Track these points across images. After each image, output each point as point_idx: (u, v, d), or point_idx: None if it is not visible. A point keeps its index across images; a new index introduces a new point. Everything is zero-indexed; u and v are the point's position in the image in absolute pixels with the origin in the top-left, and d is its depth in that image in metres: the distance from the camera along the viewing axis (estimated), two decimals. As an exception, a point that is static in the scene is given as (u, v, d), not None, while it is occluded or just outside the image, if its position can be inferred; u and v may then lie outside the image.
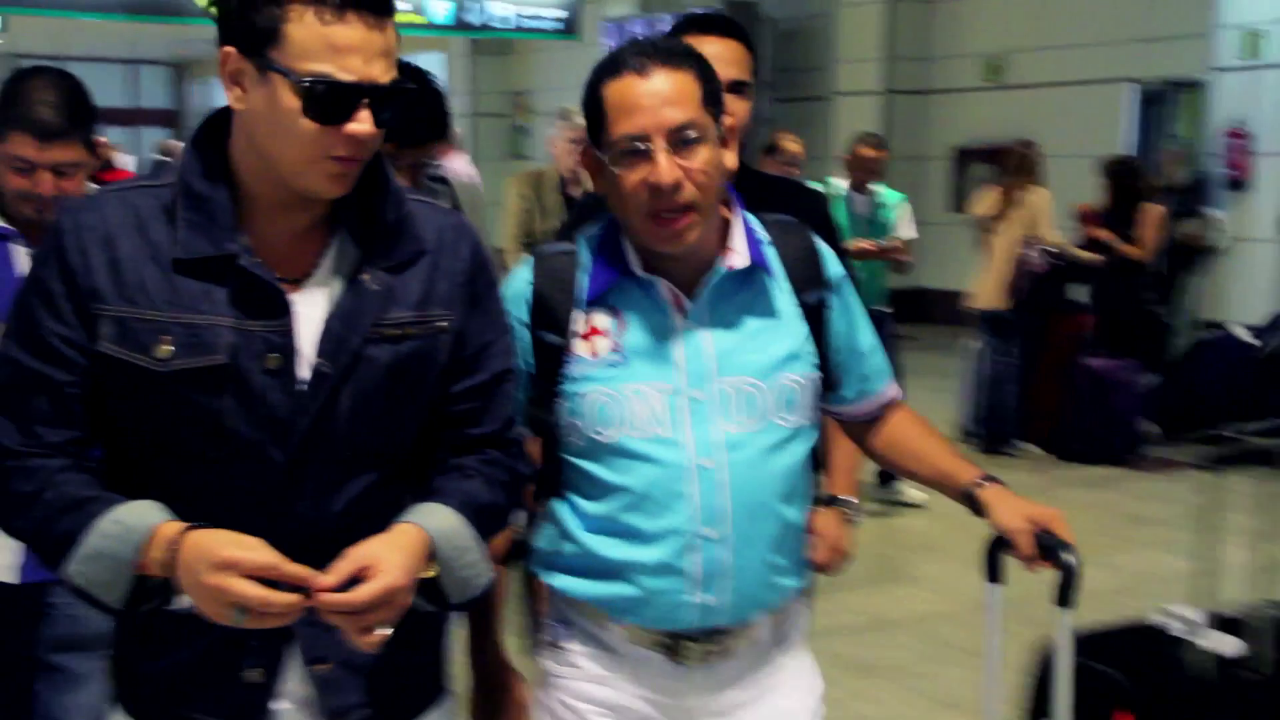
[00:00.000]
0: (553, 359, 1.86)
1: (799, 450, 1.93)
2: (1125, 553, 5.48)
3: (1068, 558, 1.91)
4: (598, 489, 1.87)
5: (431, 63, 18.79)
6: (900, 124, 12.68)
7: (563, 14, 15.29)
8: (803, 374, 1.92)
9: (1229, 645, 2.92)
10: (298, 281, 1.57)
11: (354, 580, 1.46)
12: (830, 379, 2.00)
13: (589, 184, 6.61)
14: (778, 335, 1.91)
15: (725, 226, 1.90)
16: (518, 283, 1.90)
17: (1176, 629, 2.95)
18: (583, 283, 1.89)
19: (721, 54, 2.30)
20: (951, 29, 13.20)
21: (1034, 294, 7.61)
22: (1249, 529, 3.27)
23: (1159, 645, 2.93)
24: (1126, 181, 7.87)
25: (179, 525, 1.48)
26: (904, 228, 6.79)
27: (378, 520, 1.56)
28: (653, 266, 1.86)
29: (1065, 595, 1.96)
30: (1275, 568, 3.72)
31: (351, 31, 1.48)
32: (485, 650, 1.98)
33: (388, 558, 1.49)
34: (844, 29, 13.21)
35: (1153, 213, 7.80)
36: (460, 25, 15.12)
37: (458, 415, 1.69)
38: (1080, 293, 7.84)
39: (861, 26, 13.02)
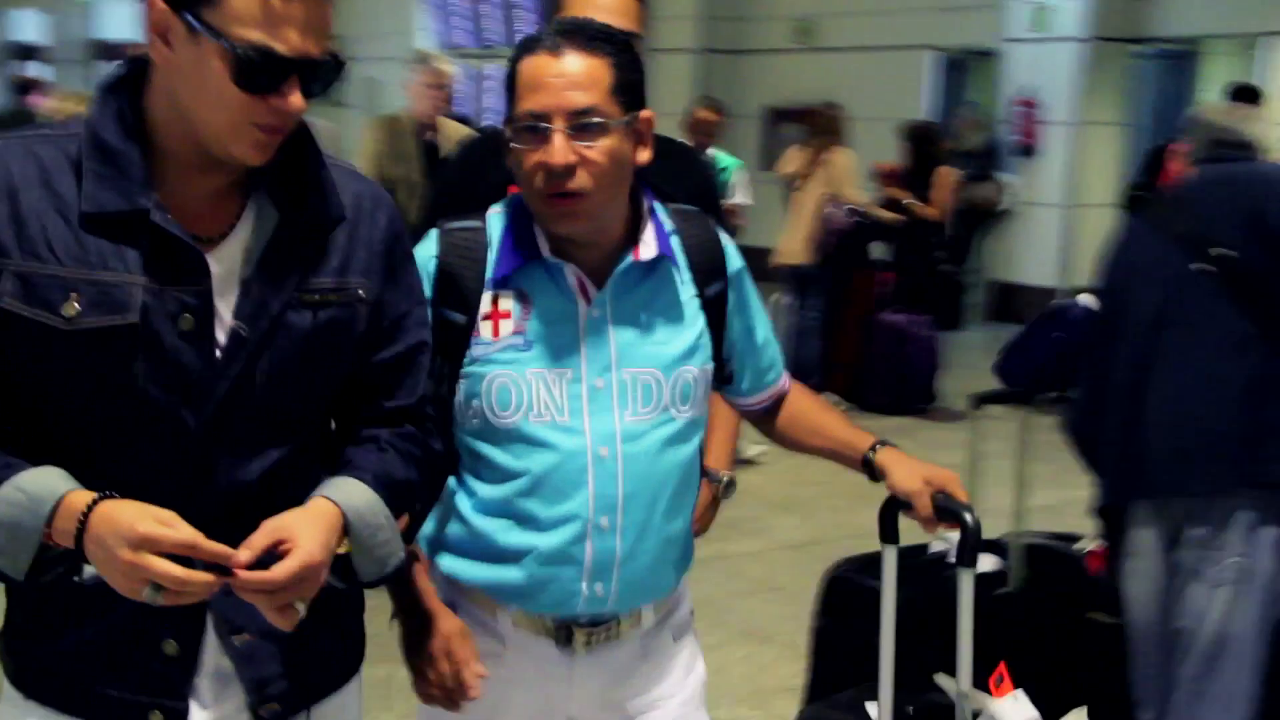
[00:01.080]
0: (455, 338, 1.82)
1: (693, 442, 1.94)
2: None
3: (968, 517, 1.95)
4: (493, 472, 1.85)
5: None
6: (715, 83, 12.90)
7: (377, -39, 15.03)
8: (700, 366, 1.92)
9: (987, 563, 3.25)
10: (212, 241, 1.51)
11: (270, 555, 1.42)
12: (725, 371, 2.02)
13: (449, 133, 6.53)
14: (679, 328, 1.91)
15: (635, 217, 1.89)
16: (422, 257, 1.83)
17: (941, 550, 3.25)
18: (490, 262, 1.86)
19: (609, 4, 2.26)
20: (760, -3, 13.43)
21: (838, 251, 7.91)
22: (1017, 471, 3.60)
23: (927, 564, 3.23)
24: (924, 145, 8.24)
25: (87, 495, 1.41)
26: (740, 193, 6.95)
27: (291, 492, 1.53)
28: (561, 252, 1.83)
29: (966, 554, 2.04)
30: (1050, 508, 4.09)
31: (292, 2, 1.42)
32: (410, 595, 1.89)
33: (304, 532, 1.45)
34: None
35: (947, 176, 8.19)
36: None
37: (372, 386, 1.65)
38: (881, 251, 8.18)
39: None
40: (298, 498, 1.52)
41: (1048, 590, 3.31)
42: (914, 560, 3.13)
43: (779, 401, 2.14)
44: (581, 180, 1.75)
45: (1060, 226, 10.60)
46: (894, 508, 2.05)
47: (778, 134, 12.61)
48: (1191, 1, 10.18)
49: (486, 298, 1.83)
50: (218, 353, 1.49)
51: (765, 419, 2.16)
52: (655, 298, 1.89)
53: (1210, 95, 11.04)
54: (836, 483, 3.53)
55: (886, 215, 7.99)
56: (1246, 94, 7.16)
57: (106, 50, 19.54)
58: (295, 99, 1.45)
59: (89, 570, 1.42)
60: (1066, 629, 3.23)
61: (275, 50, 1.42)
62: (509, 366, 1.82)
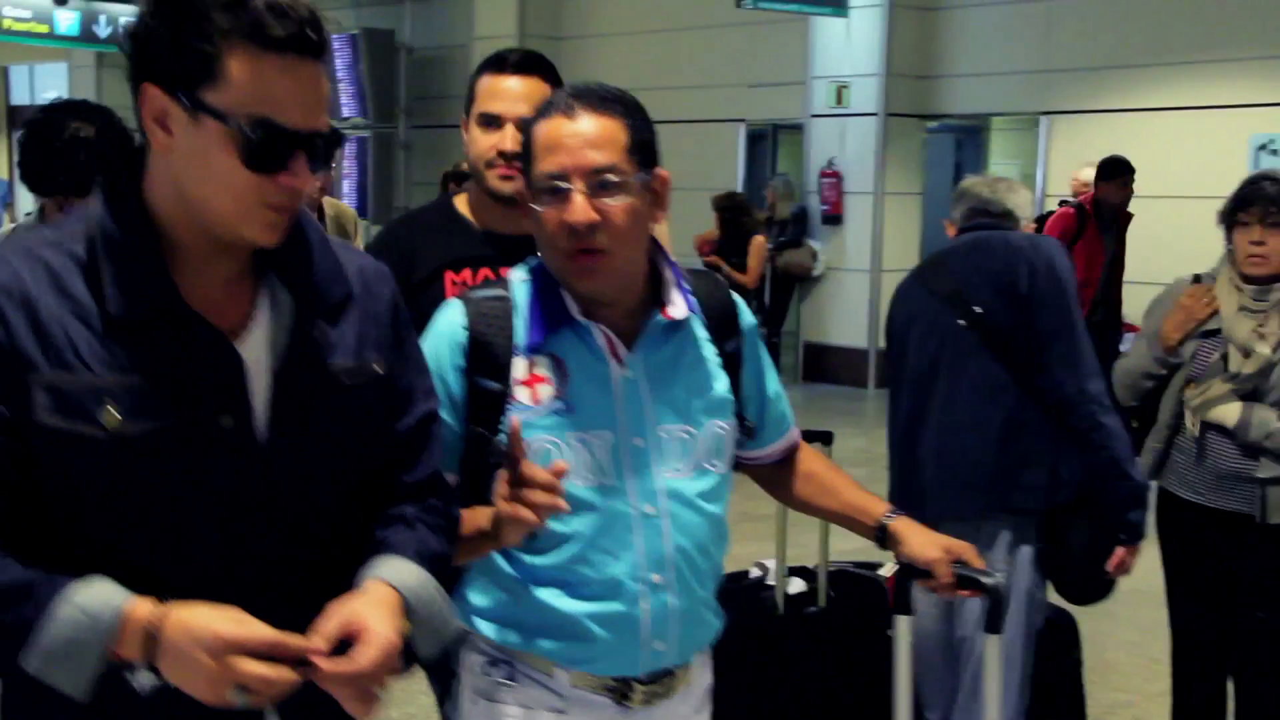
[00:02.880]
0: (492, 406, 1.81)
1: (725, 494, 1.95)
2: (737, 545, 6.16)
3: (993, 584, 2.00)
4: (542, 539, 1.80)
5: (53, 74, 17.91)
6: (536, 154, 13.17)
7: (198, 32, 15.01)
8: (727, 421, 1.93)
9: (796, 585, 3.60)
10: (234, 333, 1.46)
11: (342, 643, 1.38)
12: (747, 426, 2.03)
13: (331, 212, 6.62)
14: (706, 384, 1.91)
15: (655, 275, 1.90)
16: (449, 327, 1.84)
17: (758, 575, 3.63)
18: (518, 328, 1.84)
19: (524, 91, 2.39)
20: (580, 68, 13.85)
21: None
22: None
23: (744, 588, 3.60)
24: (737, 215, 8.73)
25: (149, 606, 1.34)
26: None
27: (327, 577, 1.49)
28: (587, 313, 1.83)
29: (994, 621, 2.09)
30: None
31: (293, 75, 1.37)
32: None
33: (372, 617, 1.40)
34: (478, 59, 13.50)
35: (757, 243, 8.69)
36: (86, 37, 14.61)
37: (391, 461, 1.60)
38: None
39: None
40: (334, 583, 1.47)
41: (853, 609, 3.66)
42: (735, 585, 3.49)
43: (790, 456, 2.15)
44: (603, 238, 1.76)
45: (867, 290, 11.14)
46: (908, 576, 2.08)
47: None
48: (977, 82, 10.96)
49: (520, 364, 1.82)
50: (257, 447, 1.45)
51: (774, 474, 2.16)
52: (681, 355, 1.90)
53: (999, 167, 11.94)
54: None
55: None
56: (1118, 165, 7.83)
57: (12, 115, 18.75)
58: (304, 175, 1.40)
59: (144, 679, 1.36)
60: (868, 644, 3.61)
61: (282, 125, 1.37)
62: (550, 431, 1.79)
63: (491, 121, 2.43)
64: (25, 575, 1.35)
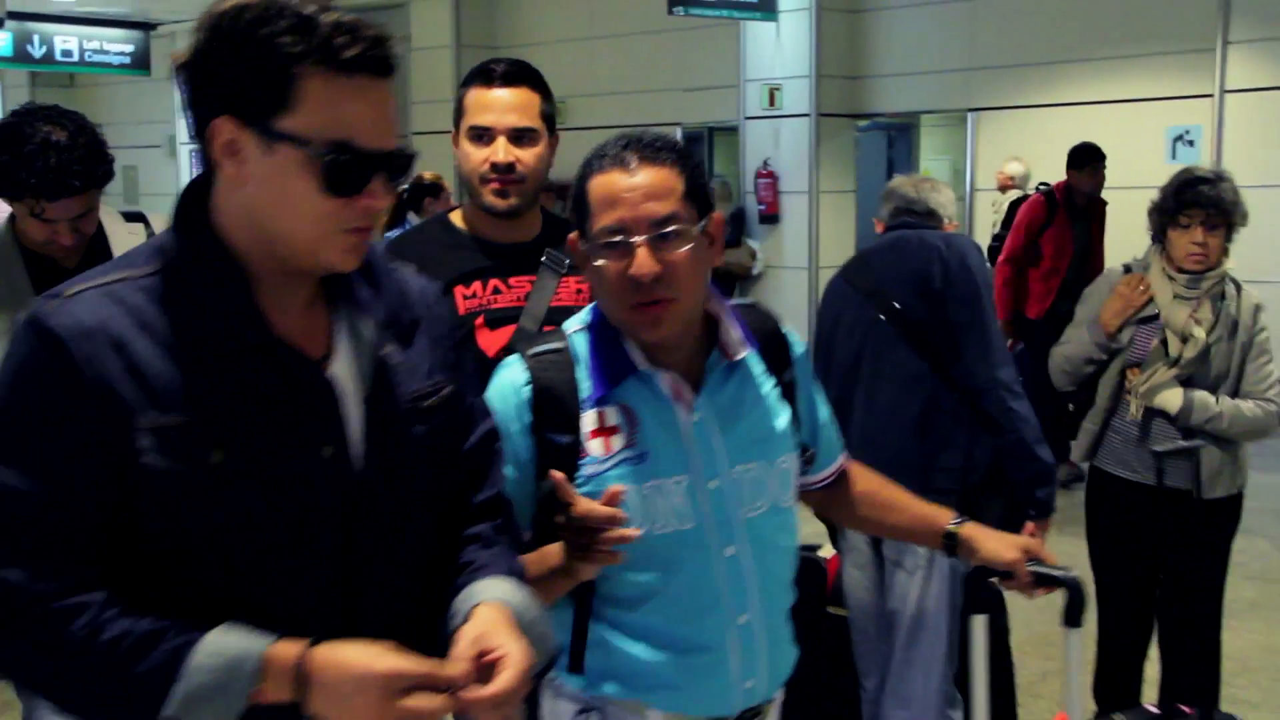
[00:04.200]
0: (563, 459, 1.78)
1: (796, 527, 1.96)
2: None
3: (1071, 579, 2.04)
4: (622, 591, 1.81)
5: (-14, 94, 17.77)
6: (477, 163, 13.20)
7: (130, 48, 14.93)
8: (792, 454, 1.94)
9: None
10: (320, 362, 1.44)
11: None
12: (808, 454, 2.04)
13: None
14: (771, 418, 1.91)
15: (709, 316, 1.88)
16: (511, 385, 1.82)
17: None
18: (581, 380, 1.83)
19: (512, 102, 2.39)
20: (519, 75, 13.92)
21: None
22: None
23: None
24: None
25: (293, 647, 1.33)
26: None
27: (418, 600, 1.50)
28: (651, 359, 1.83)
29: (1074, 615, 2.12)
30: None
31: (366, 96, 1.36)
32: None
33: (505, 638, 1.40)
34: (416, 72, 13.37)
35: (698, 244, 8.85)
36: (20, 57, 14.52)
37: (461, 481, 1.59)
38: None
39: (434, 71, 13.24)
40: (423, 606, 1.49)
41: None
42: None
43: (841, 478, 2.17)
44: (667, 288, 1.75)
45: (805, 287, 11.31)
46: (983, 577, 2.13)
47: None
48: (905, 81, 11.19)
49: (589, 416, 1.80)
50: (356, 477, 1.43)
51: (830, 496, 2.17)
52: (743, 392, 1.89)
53: (930, 163, 12.21)
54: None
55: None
56: (1086, 153, 7.55)
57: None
58: (381, 196, 1.38)
59: None
60: (808, 623, 3.81)
61: (360, 147, 1.35)
62: (625, 480, 1.78)
63: (482, 135, 2.42)
64: (154, 624, 1.32)
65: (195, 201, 1.43)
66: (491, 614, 1.44)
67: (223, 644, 1.32)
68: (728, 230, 11.91)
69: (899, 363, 3.37)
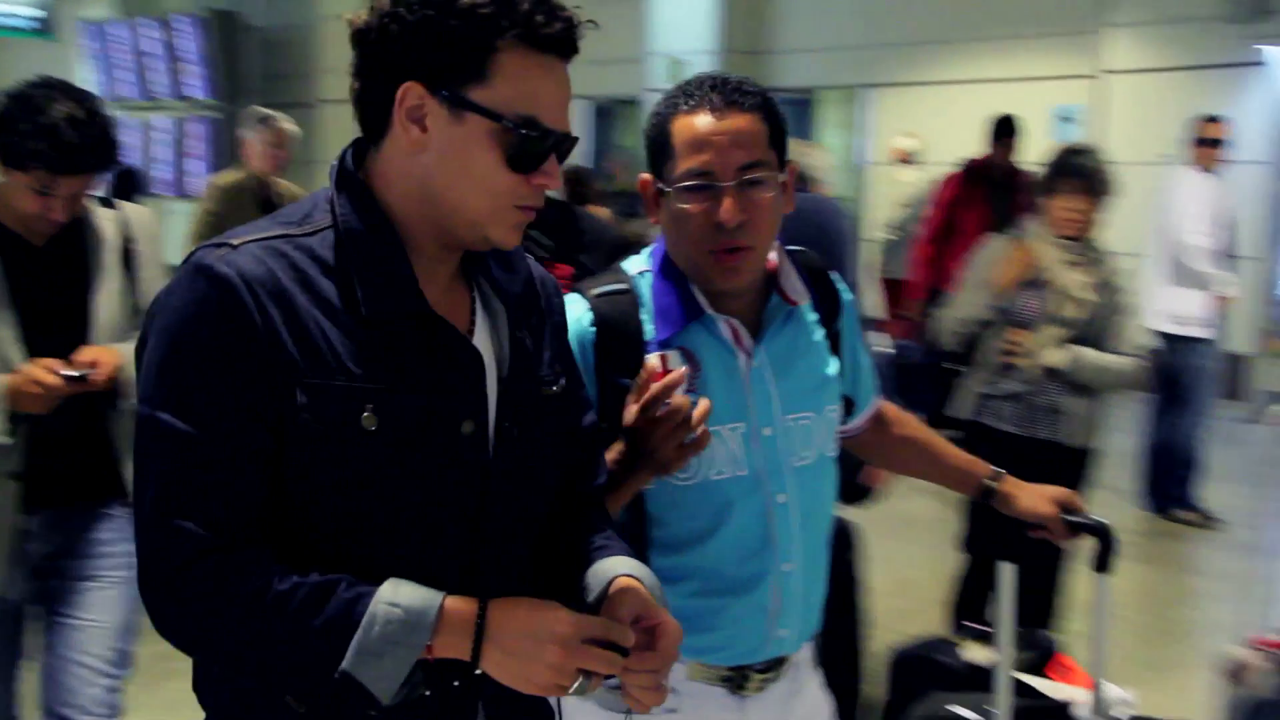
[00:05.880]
0: (625, 402, 1.70)
1: (836, 476, 1.94)
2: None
3: (1103, 525, 2.08)
4: (675, 536, 1.79)
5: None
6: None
7: (39, 13, 14.78)
8: (838, 404, 1.92)
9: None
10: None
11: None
12: (849, 401, 2.01)
13: (284, 191, 6.49)
14: (821, 368, 1.89)
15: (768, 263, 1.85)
16: (576, 325, 1.72)
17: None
18: (646, 322, 1.79)
19: None
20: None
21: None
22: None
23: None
24: (577, 187, 9.08)
25: (469, 601, 1.31)
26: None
27: (529, 583, 1.50)
28: (715, 305, 1.79)
29: (1105, 561, 2.15)
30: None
31: (554, 75, 1.36)
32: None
33: (654, 608, 1.39)
34: (324, 39, 13.31)
35: (600, 214, 9.07)
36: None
37: (570, 469, 1.58)
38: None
39: (341, 38, 13.30)
40: (541, 586, 1.49)
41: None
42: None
43: (879, 422, 2.14)
44: (749, 235, 1.72)
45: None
46: (1021, 529, 2.15)
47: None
48: (805, 57, 11.51)
49: (653, 359, 1.70)
50: (492, 453, 1.43)
51: (867, 441, 2.14)
52: (797, 340, 1.87)
53: (829, 137, 12.52)
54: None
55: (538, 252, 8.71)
56: (999, 126, 7.36)
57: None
58: (555, 175, 1.38)
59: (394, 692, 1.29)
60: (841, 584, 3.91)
61: (549, 126, 1.35)
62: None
63: None
64: (324, 578, 1.30)
65: (356, 165, 1.42)
66: (635, 585, 1.43)
67: (400, 595, 1.29)
68: (628, 203, 12.16)
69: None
